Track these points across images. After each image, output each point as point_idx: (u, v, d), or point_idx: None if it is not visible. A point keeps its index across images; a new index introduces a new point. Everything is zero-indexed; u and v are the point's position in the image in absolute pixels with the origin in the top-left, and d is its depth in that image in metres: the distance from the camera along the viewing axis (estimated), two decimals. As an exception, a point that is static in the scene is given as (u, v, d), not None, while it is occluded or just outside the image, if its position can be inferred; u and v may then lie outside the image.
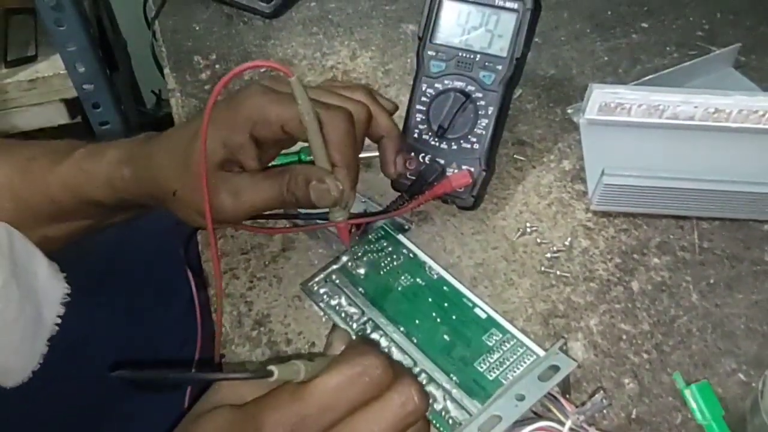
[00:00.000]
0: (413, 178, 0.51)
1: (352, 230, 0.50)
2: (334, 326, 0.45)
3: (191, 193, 0.41)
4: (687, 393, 0.42)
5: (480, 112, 0.50)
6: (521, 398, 0.39)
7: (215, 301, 0.49)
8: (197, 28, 0.74)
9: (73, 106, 1.03)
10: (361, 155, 0.55)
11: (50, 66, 0.99)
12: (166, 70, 0.70)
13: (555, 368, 0.40)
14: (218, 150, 0.41)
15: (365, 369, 0.32)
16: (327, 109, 0.41)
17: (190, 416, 0.35)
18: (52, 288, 0.50)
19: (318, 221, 0.49)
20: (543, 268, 0.50)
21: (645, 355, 0.45)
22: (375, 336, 0.44)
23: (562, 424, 0.39)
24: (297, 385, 0.32)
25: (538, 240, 0.52)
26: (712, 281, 0.49)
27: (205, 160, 0.40)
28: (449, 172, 0.51)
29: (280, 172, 0.43)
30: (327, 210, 0.45)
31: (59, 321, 0.50)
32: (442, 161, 0.51)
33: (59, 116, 1.02)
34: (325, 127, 0.41)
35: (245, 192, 0.42)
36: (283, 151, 0.48)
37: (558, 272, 0.49)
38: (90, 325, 0.60)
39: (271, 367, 0.30)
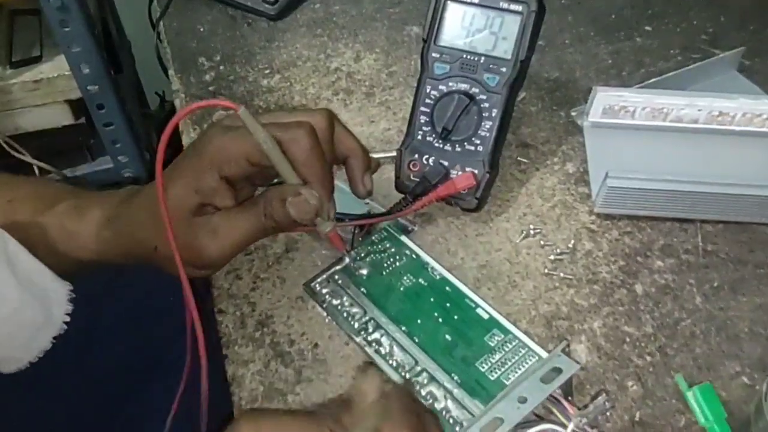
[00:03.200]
0: (417, 179, 0.51)
1: (356, 231, 0.50)
2: (364, 366, 0.44)
3: (169, 247, 0.41)
4: (689, 395, 0.42)
5: (484, 115, 0.50)
6: (523, 400, 0.38)
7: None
8: (202, 30, 0.74)
9: (77, 107, 1.03)
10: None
11: (55, 67, 0.98)
12: (171, 72, 0.70)
13: (558, 370, 0.40)
14: (191, 197, 0.41)
15: None
16: (286, 128, 0.40)
17: None
18: (59, 285, 0.50)
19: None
20: (546, 271, 0.50)
21: (648, 358, 0.45)
22: (376, 335, 0.44)
23: (565, 426, 0.39)
24: None
25: (542, 242, 0.52)
26: (715, 284, 0.49)
27: (167, 211, 0.39)
28: (453, 174, 0.51)
29: (254, 202, 0.42)
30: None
31: (68, 319, 0.50)
32: (445, 163, 0.51)
33: (63, 117, 1.02)
34: (287, 147, 0.39)
35: (224, 230, 0.41)
36: None
37: (561, 274, 0.49)
38: (95, 331, 0.60)
39: None
